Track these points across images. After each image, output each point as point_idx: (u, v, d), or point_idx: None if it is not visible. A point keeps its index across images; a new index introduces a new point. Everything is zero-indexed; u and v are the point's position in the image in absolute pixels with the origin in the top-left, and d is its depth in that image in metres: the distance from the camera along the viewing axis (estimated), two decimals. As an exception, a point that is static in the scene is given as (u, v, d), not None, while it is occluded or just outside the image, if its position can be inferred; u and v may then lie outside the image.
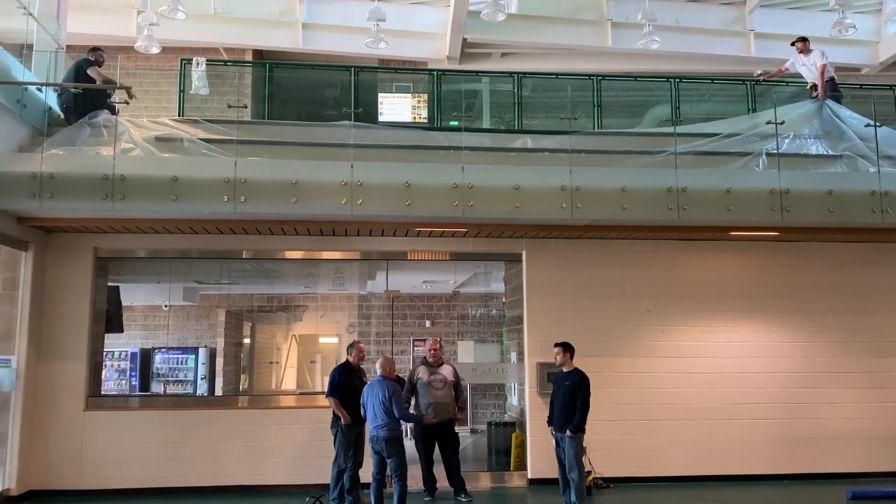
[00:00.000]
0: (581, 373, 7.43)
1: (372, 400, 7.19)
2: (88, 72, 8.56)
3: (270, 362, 14.54)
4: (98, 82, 8.54)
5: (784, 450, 9.18)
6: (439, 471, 8.32)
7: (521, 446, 9.24)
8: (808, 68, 10.11)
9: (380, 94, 10.26)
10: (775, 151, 8.67)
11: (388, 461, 7.19)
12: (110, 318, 9.31)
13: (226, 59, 12.84)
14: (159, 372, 12.92)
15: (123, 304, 10.10)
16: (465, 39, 13.19)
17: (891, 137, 9.20)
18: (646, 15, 10.92)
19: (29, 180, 7.26)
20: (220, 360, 12.96)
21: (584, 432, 7.38)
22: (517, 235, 9.13)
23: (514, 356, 10.01)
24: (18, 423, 8.06)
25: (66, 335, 8.52)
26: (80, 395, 8.47)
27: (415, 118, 10.19)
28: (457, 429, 8.60)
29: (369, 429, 7.29)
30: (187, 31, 12.17)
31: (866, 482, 8.67)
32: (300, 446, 8.62)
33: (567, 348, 7.54)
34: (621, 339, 9.18)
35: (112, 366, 12.71)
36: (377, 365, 7.50)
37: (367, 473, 7.57)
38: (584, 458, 7.53)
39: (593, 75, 10.48)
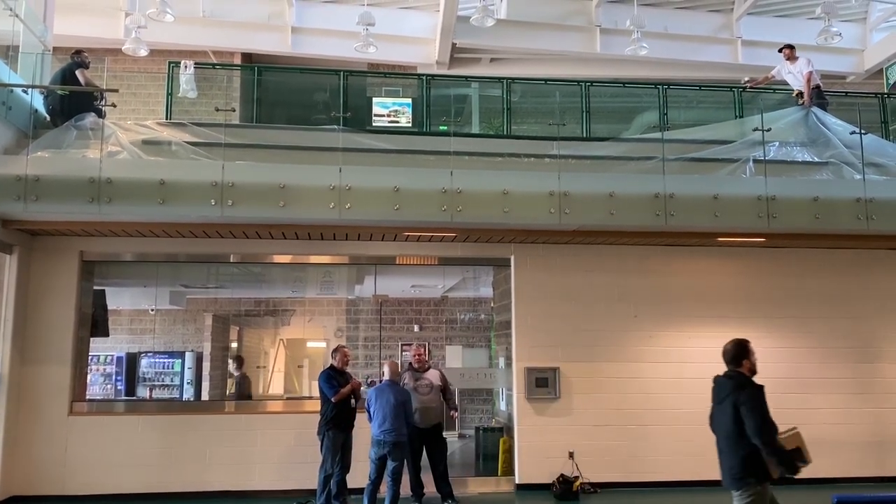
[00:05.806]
0: None
1: (381, 403, 7.19)
2: (76, 73, 8.51)
3: (257, 367, 14.44)
4: (83, 84, 8.50)
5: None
6: (427, 476, 8.30)
7: (509, 451, 9.23)
8: (795, 76, 10.20)
9: (374, 102, 10.20)
10: (762, 158, 8.72)
11: (391, 464, 7.22)
12: (96, 321, 9.22)
13: (214, 62, 12.79)
14: (145, 376, 12.79)
15: (109, 307, 10.01)
16: (454, 44, 13.21)
17: (876, 145, 9.30)
18: (634, 21, 10.98)
19: (14, 183, 7.20)
20: (206, 365, 12.87)
21: None
22: (506, 240, 9.13)
23: (502, 361, 10.01)
24: (1, 428, 7.98)
25: (51, 339, 8.44)
26: (65, 399, 8.39)
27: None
28: (444, 434, 8.59)
29: (373, 431, 7.28)
30: (175, 34, 12.15)
31: (851, 488, 8.71)
32: (287, 451, 8.57)
33: None
34: (609, 344, 9.19)
35: (97, 370, 12.58)
36: (385, 369, 7.65)
37: (353, 478, 7.56)
38: (570, 463, 7.52)
39: (582, 81, 10.50)
